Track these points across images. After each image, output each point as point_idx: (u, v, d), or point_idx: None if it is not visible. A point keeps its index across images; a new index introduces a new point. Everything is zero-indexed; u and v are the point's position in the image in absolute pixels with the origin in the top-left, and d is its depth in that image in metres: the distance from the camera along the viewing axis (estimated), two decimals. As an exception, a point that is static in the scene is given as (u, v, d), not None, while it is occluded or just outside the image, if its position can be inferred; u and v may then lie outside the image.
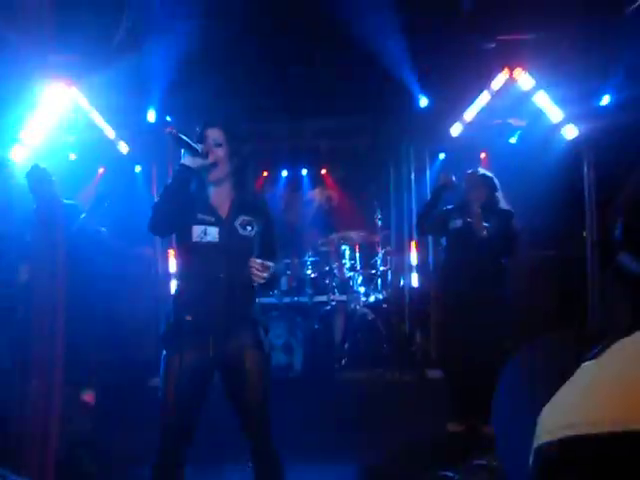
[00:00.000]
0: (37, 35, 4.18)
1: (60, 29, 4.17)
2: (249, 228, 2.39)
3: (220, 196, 2.43)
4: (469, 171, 4.11)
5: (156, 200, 2.35)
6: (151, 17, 4.48)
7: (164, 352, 2.33)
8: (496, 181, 4.07)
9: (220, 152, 2.37)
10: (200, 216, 2.34)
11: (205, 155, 2.31)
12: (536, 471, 0.56)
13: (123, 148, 6.36)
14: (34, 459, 2.80)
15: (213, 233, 2.34)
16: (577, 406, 0.57)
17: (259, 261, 2.27)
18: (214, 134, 2.38)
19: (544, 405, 0.59)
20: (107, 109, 5.66)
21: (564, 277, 6.50)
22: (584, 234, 6.23)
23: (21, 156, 5.13)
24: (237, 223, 2.38)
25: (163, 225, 2.34)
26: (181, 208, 2.30)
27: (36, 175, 4.29)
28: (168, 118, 5.98)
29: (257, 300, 2.51)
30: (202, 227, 2.32)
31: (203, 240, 2.32)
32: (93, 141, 6.12)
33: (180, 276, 2.41)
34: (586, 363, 0.61)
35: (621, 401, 0.54)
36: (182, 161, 2.31)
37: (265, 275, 2.28)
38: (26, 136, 5.17)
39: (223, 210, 2.40)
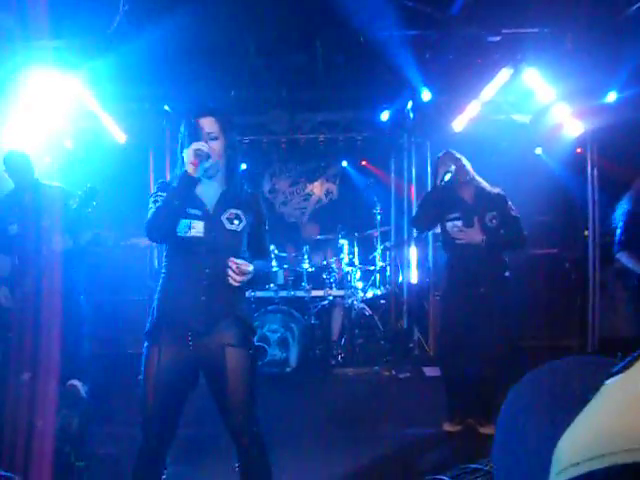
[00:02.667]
0: (34, 20, 4.10)
1: (57, 14, 4.10)
2: (236, 222, 2.31)
3: (209, 189, 2.34)
4: (440, 153, 4.00)
5: (155, 203, 2.23)
6: (151, 2, 4.39)
7: (145, 344, 2.27)
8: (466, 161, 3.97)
9: (216, 146, 2.28)
10: (187, 210, 2.26)
11: (208, 157, 2.22)
12: None
13: (120, 137, 6.28)
14: (23, 454, 2.74)
15: (198, 227, 2.25)
16: (615, 429, 0.48)
17: (239, 262, 2.19)
18: (209, 125, 2.29)
19: (563, 430, 0.51)
20: (104, 96, 5.57)
21: (565, 276, 6.45)
22: (586, 233, 6.17)
23: (16, 144, 5.05)
24: (224, 217, 2.30)
25: (162, 232, 2.25)
26: (181, 212, 2.23)
27: (13, 162, 4.22)
28: (166, 107, 5.89)
29: (245, 296, 2.43)
30: (187, 221, 2.24)
31: (188, 234, 2.24)
32: (90, 128, 6.04)
33: (165, 269, 2.32)
34: (610, 380, 0.53)
35: None
36: (185, 168, 2.21)
37: (241, 279, 2.20)
38: (20, 123, 5.09)
39: (211, 204, 2.32)
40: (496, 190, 3.95)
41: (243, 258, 2.30)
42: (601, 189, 5.99)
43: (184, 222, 2.24)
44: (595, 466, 0.47)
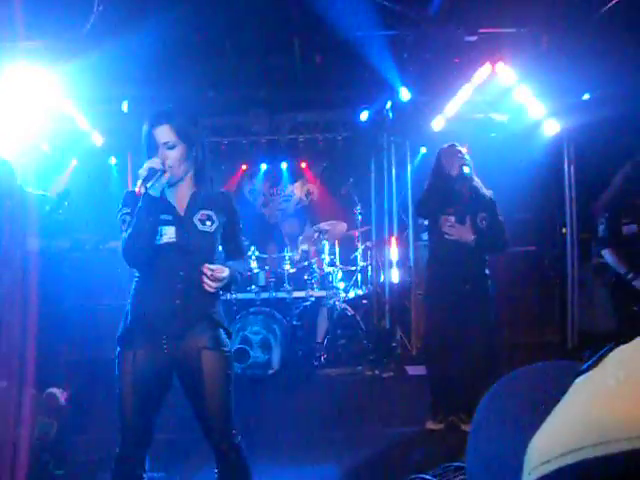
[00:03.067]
0: (7, 21, 4.03)
1: (31, 14, 4.03)
2: (209, 223, 2.27)
3: (179, 193, 2.30)
4: (445, 145, 4.01)
5: (127, 229, 2.16)
6: (126, 3, 4.34)
7: (117, 349, 2.22)
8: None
9: (174, 154, 2.20)
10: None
11: (163, 172, 2.14)
12: None
13: (97, 139, 6.21)
14: (1, 464, 2.69)
15: (170, 233, 2.21)
16: (584, 424, 0.48)
17: (213, 267, 2.16)
18: (164, 135, 2.20)
19: (534, 432, 0.51)
20: (81, 99, 5.50)
21: (544, 273, 6.52)
22: (564, 230, 6.24)
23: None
24: (196, 218, 2.26)
25: (141, 257, 2.18)
26: (153, 230, 2.17)
27: None
28: (125, 105, 5.82)
29: (220, 298, 2.38)
30: (158, 228, 2.20)
31: (160, 242, 2.19)
32: (66, 132, 5.96)
33: (138, 275, 2.27)
34: (580, 378, 0.53)
35: None
36: (147, 191, 2.11)
37: (216, 285, 2.18)
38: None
39: (181, 207, 2.28)
40: (489, 193, 3.99)
41: (217, 260, 2.28)
42: (578, 186, 6.07)
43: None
44: (565, 462, 0.47)
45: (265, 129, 7.07)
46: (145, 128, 2.22)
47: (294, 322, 5.97)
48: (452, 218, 3.89)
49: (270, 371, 5.30)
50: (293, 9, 4.67)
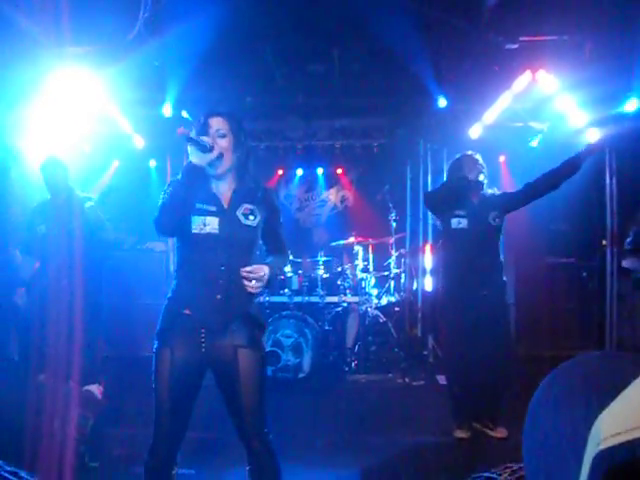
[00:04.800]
0: (55, 27, 4.17)
1: (78, 21, 4.16)
2: (252, 217, 2.32)
3: (222, 186, 2.36)
4: (469, 152, 4.05)
5: (163, 198, 2.24)
6: (169, 9, 4.44)
7: (155, 345, 2.26)
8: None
9: (224, 143, 2.30)
10: (200, 206, 2.27)
11: (211, 149, 2.24)
12: (600, 477, 0.54)
13: (138, 142, 6.36)
14: (39, 455, 2.77)
15: (213, 223, 2.26)
16: None
17: (250, 269, 2.20)
18: (218, 123, 2.32)
19: (597, 409, 0.57)
20: (123, 102, 5.65)
21: (582, 285, 6.39)
22: (604, 242, 6.10)
23: (36, 148, 5.14)
24: (239, 212, 2.31)
25: (170, 225, 2.25)
26: (188, 206, 2.24)
27: (51, 167, 4.32)
28: (184, 113, 5.95)
29: (257, 297, 2.42)
30: (202, 218, 2.25)
31: (203, 231, 2.24)
32: (108, 134, 6.12)
33: (179, 269, 2.33)
34: None
35: None
36: (190, 159, 2.23)
37: (258, 285, 2.22)
38: (41, 128, 5.17)
39: (225, 199, 2.34)
40: (492, 190, 4.05)
41: (258, 255, 2.32)
42: (619, 198, 5.93)
43: (198, 219, 2.25)
44: (635, 435, 0.52)
45: (302, 135, 7.12)
46: (201, 119, 2.34)
47: (326, 327, 5.99)
48: (464, 220, 3.91)
49: (301, 375, 5.32)
50: (333, 17, 4.70)
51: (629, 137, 5.33)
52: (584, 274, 6.43)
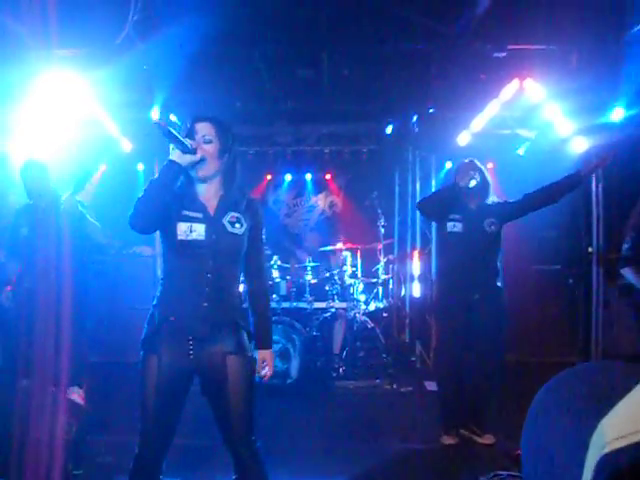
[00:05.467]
0: (42, 29, 4.14)
1: (66, 23, 4.13)
2: (238, 225, 2.30)
3: (208, 193, 2.33)
4: (466, 160, 4.07)
5: (140, 195, 2.21)
6: (158, 13, 4.42)
7: (141, 353, 2.24)
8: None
9: (210, 148, 2.27)
10: (186, 213, 2.25)
11: (194, 151, 2.20)
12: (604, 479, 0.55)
13: (126, 145, 6.32)
14: (22, 462, 2.73)
15: (199, 230, 2.24)
16: None
17: (263, 373, 2.39)
18: (204, 129, 2.29)
19: (596, 416, 0.59)
20: (111, 105, 5.61)
21: (568, 292, 6.43)
22: (590, 249, 6.15)
23: (21, 150, 5.09)
24: (225, 220, 2.30)
25: (144, 221, 2.21)
26: (164, 205, 2.20)
27: (30, 170, 4.26)
28: (172, 116, 5.92)
29: (244, 303, 2.41)
30: (188, 224, 2.23)
31: (188, 238, 2.22)
32: (96, 137, 6.07)
33: (165, 276, 2.30)
34: None
35: None
36: (170, 156, 2.20)
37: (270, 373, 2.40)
38: (27, 130, 5.13)
39: (211, 206, 2.31)
40: (493, 199, 4.05)
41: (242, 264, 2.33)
42: (605, 206, 5.98)
43: (184, 225, 2.23)
44: (638, 438, 0.54)
45: (290, 140, 7.12)
46: (188, 123, 2.33)
47: (314, 333, 5.97)
48: (460, 224, 3.92)
49: (288, 381, 5.30)
50: (322, 23, 4.71)
51: (615, 145, 5.39)
52: (570, 281, 6.48)
